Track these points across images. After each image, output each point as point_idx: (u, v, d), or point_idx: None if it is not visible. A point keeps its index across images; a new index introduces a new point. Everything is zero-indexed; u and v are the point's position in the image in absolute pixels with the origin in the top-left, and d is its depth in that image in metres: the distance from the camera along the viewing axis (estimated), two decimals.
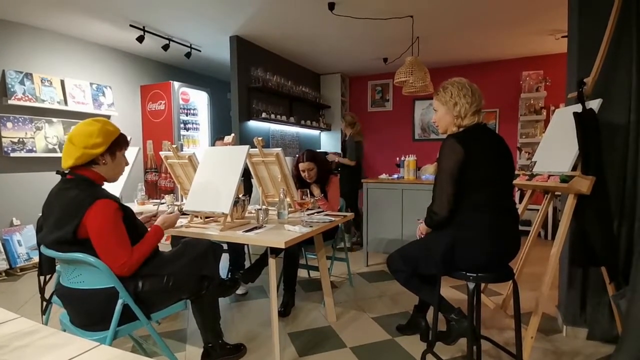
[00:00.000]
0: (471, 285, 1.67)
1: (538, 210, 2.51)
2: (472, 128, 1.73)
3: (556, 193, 3.04)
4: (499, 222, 1.67)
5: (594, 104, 1.98)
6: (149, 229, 1.74)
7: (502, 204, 1.70)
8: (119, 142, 1.65)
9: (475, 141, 1.68)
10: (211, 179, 2.18)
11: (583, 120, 1.94)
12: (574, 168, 2.00)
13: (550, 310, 2.61)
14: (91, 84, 4.53)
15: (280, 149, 2.46)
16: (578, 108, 2.00)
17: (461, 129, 1.74)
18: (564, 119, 2.21)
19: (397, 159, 4.02)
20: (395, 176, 3.83)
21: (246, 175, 3.03)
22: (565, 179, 2.00)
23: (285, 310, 2.65)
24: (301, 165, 2.96)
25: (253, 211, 2.39)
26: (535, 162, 2.37)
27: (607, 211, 1.97)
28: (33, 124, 3.99)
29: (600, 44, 2.03)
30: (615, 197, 2.08)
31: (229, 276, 3.02)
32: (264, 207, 2.37)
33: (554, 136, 2.34)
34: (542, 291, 1.97)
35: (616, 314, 2.09)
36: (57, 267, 1.80)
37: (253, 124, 4.95)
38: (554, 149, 2.26)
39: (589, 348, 2.15)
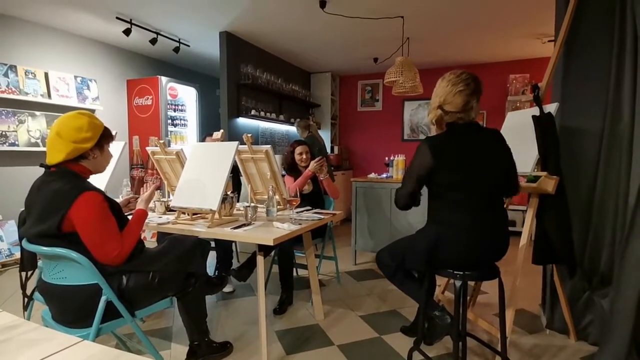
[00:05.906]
0: (458, 283, 1.69)
1: (523, 210, 2.55)
2: (454, 128, 1.71)
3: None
4: (480, 220, 1.66)
5: (552, 108, 2.09)
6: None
7: (484, 204, 1.67)
8: (106, 136, 1.62)
9: (450, 146, 1.66)
10: (199, 175, 2.15)
11: (541, 123, 2.04)
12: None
13: (533, 308, 2.66)
14: (75, 77, 4.43)
15: (269, 145, 2.45)
16: (535, 111, 2.10)
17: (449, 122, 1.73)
18: (521, 121, 2.29)
19: (386, 158, 4.03)
20: (384, 175, 3.85)
21: (235, 171, 3.01)
22: (532, 179, 2.06)
23: (280, 308, 2.65)
24: (299, 148, 3.17)
25: (241, 208, 2.37)
26: None
27: (565, 210, 2.07)
28: (16, 117, 3.88)
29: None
30: (586, 198, 2.17)
31: (216, 274, 2.99)
32: (252, 204, 2.35)
33: (512, 139, 2.39)
34: (514, 284, 2.02)
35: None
36: (39, 262, 1.76)
37: (242, 121, 4.91)
38: (514, 151, 2.30)
39: (571, 346, 2.20)
